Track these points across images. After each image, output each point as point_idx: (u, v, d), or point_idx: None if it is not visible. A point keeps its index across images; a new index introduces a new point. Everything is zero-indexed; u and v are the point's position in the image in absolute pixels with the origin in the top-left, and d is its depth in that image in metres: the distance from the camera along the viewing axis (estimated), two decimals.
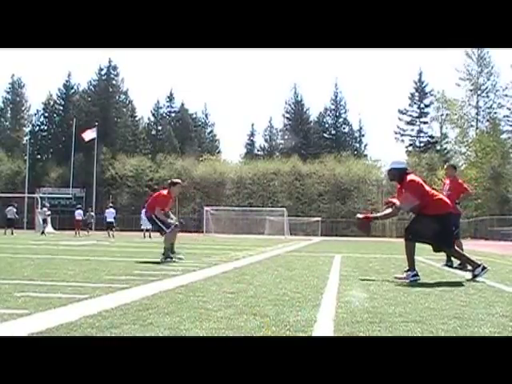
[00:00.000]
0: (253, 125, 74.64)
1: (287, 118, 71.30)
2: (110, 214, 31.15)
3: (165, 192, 10.77)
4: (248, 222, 48.41)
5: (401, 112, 65.36)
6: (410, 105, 65.33)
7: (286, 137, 69.91)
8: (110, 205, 34.27)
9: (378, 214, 8.57)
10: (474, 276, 7.15)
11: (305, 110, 71.35)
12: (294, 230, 45.35)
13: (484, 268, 7.24)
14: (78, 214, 32.80)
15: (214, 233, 42.16)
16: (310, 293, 5.52)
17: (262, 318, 3.90)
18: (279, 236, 38.32)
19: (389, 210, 7.77)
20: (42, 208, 36.86)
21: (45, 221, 34.13)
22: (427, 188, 7.50)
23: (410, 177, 7.39)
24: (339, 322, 3.81)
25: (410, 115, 65.30)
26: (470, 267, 7.53)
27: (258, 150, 73.02)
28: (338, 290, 5.86)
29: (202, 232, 42.67)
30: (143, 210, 17.37)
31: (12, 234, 30.25)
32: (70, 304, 4.47)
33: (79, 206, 37.29)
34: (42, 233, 31.28)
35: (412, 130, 65.42)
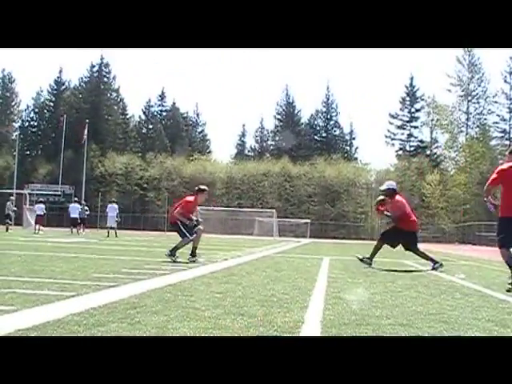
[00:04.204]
0: (244, 125, 74.47)
1: (278, 119, 71.15)
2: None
3: (191, 198, 10.92)
4: (237, 222, 48.42)
5: (392, 116, 65.44)
6: (401, 109, 65.41)
7: (278, 138, 69.72)
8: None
9: (387, 213, 10.83)
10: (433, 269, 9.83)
11: (296, 111, 71.24)
12: (283, 231, 45.37)
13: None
14: (38, 209, 30.85)
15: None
16: (298, 294, 5.53)
17: (250, 319, 3.91)
18: (268, 237, 38.31)
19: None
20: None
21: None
22: (408, 208, 10.52)
23: (398, 197, 10.48)
24: (326, 324, 3.82)
25: (401, 119, 65.37)
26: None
27: (248, 151, 72.70)
28: (326, 292, 5.88)
29: None
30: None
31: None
32: (57, 301, 4.45)
33: (41, 200, 34.69)
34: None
35: (402, 134, 65.37)
